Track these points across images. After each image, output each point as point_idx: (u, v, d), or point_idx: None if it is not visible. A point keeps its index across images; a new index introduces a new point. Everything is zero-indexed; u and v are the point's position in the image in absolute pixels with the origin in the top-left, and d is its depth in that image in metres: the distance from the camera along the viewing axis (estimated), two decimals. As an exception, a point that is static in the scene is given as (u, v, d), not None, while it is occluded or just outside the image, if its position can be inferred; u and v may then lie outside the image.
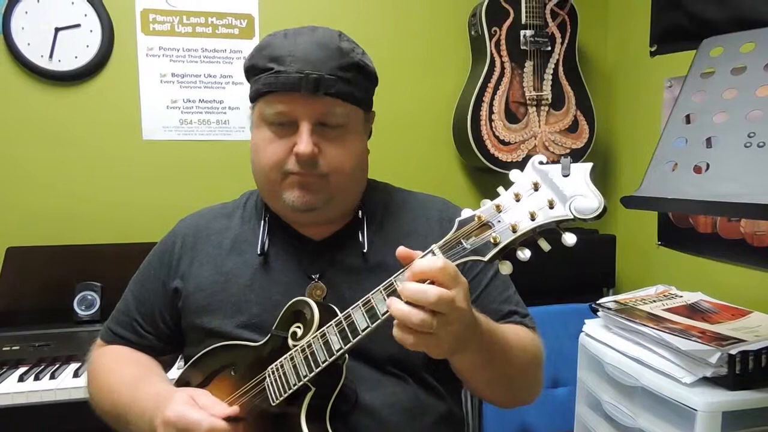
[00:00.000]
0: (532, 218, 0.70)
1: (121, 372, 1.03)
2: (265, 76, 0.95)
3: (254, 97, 0.99)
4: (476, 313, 0.82)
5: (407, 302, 0.72)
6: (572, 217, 0.68)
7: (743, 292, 1.74)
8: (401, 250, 0.77)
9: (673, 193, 1.20)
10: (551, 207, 0.70)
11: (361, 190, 1.05)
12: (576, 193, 0.69)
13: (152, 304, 1.08)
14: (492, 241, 0.72)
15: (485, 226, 0.73)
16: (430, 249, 0.76)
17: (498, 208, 0.72)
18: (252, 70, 0.98)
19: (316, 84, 0.92)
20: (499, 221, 0.72)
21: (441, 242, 0.76)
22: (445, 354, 0.78)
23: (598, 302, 1.68)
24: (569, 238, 0.68)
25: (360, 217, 1.04)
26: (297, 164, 0.94)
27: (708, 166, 1.19)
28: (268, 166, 0.97)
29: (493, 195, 0.75)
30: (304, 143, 0.93)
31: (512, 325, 1.00)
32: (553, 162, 0.72)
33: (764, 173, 1.09)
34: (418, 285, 0.72)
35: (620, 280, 2.34)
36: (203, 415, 0.83)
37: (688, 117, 1.32)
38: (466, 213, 0.75)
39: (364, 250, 1.00)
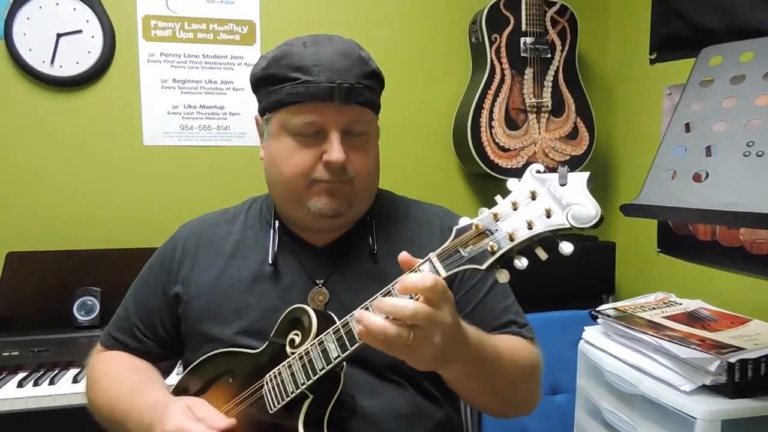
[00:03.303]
0: (530, 227, 0.70)
1: (120, 378, 1.03)
2: (291, 86, 0.94)
3: (273, 107, 0.97)
4: (465, 324, 0.82)
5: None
6: (569, 225, 0.69)
7: (743, 299, 1.74)
8: (403, 256, 0.77)
9: (673, 202, 1.20)
10: (548, 216, 0.70)
11: (375, 194, 1.06)
12: (573, 201, 0.69)
13: (152, 310, 1.08)
14: (489, 249, 0.72)
15: (483, 234, 0.73)
16: (427, 257, 0.77)
17: (495, 217, 0.73)
18: (269, 81, 0.97)
19: (348, 93, 0.93)
20: (497, 230, 0.72)
21: (439, 250, 0.76)
22: (429, 366, 0.77)
23: (597, 309, 1.68)
24: (566, 247, 0.69)
25: (369, 220, 1.05)
26: (327, 172, 0.95)
27: (707, 174, 1.19)
28: (293, 175, 0.96)
29: (493, 202, 0.75)
30: (336, 152, 0.93)
31: (507, 336, 0.99)
32: (551, 170, 0.72)
33: (763, 182, 1.08)
34: (394, 300, 0.73)
35: (620, 287, 2.34)
36: (201, 427, 0.83)
37: (687, 125, 1.32)
38: (463, 221, 0.75)
39: (375, 251, 1.01)
